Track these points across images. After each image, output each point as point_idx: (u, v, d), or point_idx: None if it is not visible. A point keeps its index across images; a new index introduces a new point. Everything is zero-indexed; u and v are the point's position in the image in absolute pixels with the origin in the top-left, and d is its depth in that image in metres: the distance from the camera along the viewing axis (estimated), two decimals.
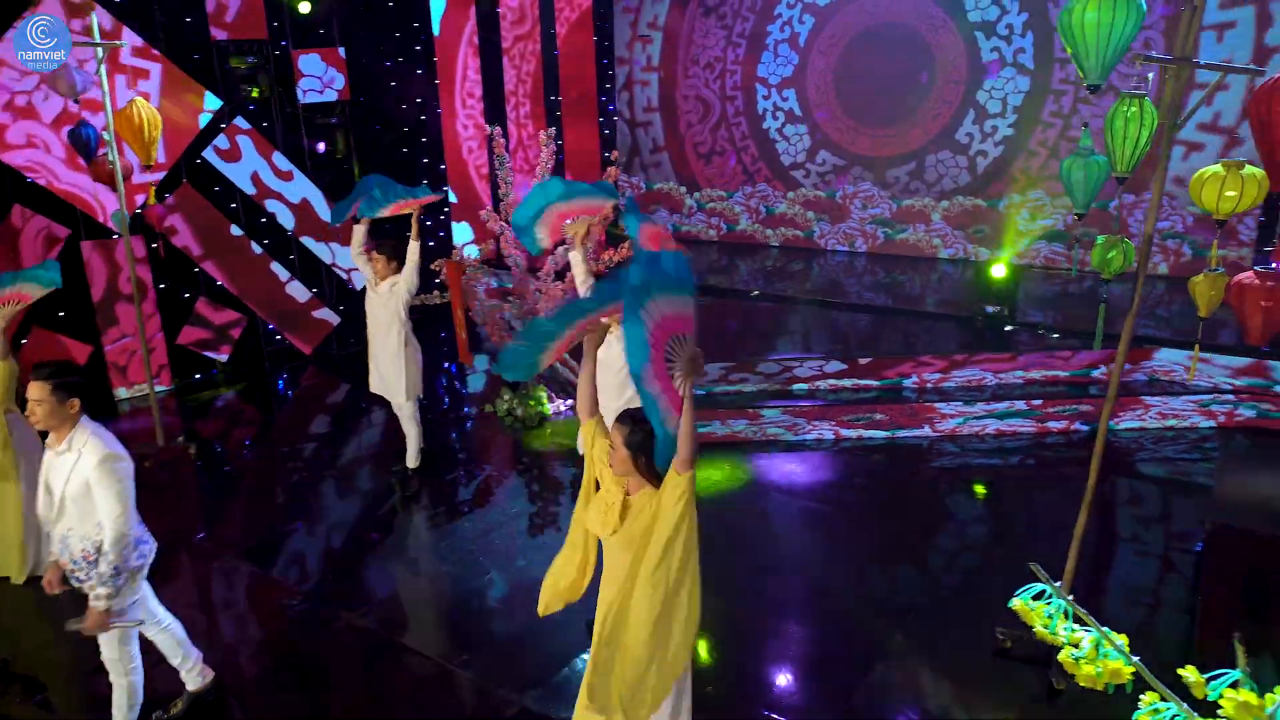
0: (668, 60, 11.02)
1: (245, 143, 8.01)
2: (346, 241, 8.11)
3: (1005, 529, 5.40)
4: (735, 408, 6.51)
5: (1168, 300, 7.99)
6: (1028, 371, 6.63)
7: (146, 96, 5.29)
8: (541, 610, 3.05)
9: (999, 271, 7.25)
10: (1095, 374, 6.61)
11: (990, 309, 7.20)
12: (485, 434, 6.88)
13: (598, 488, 2.91)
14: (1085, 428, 6.36)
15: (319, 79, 8.55)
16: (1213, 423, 6.31)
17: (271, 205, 8.24)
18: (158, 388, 7.19)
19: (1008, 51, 8.84)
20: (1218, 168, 3.21)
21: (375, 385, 5.82)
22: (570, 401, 7.21)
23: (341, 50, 8.56)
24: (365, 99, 8.98)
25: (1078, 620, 3.77)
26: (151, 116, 5.42)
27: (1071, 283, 8.56)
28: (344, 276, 8.92)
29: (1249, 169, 3.16)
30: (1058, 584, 3.92)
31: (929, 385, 6.69)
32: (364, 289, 5.70)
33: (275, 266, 8.35)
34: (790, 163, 10.46)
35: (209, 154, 7.79)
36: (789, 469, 6.05)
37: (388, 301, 5.57)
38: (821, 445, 6.44)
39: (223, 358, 8.29)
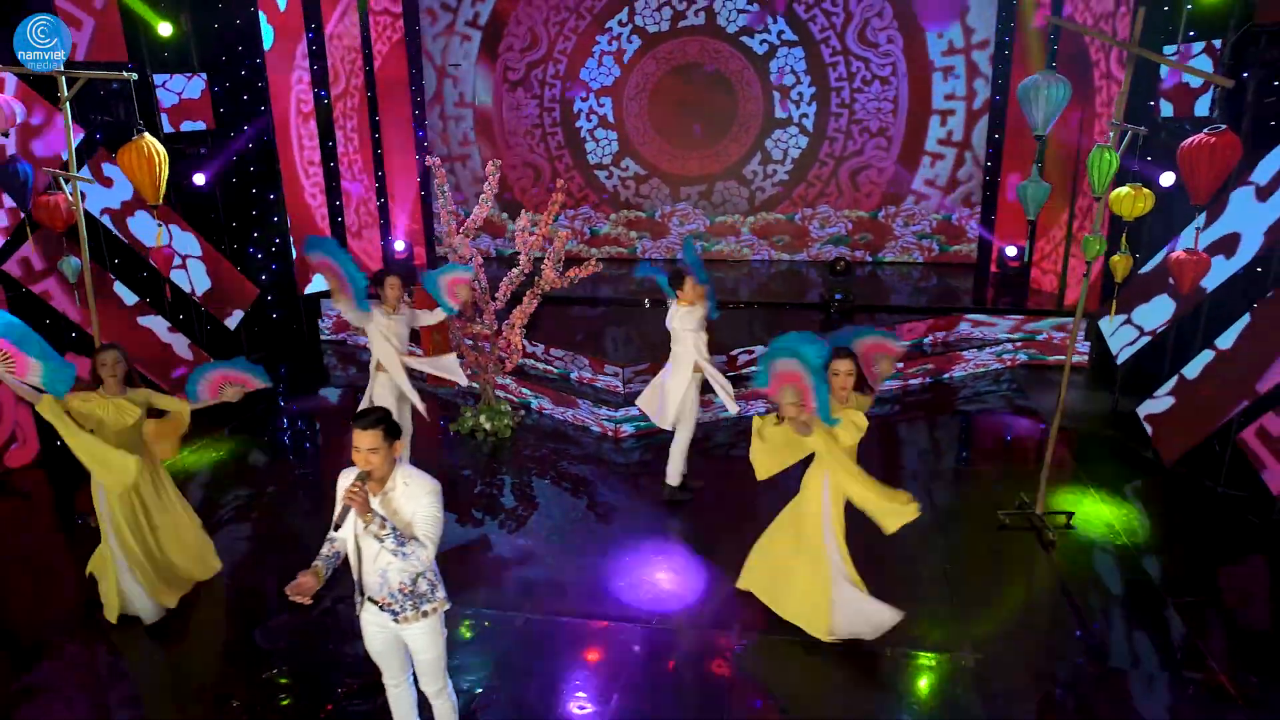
0: (483, 135, 11.65)
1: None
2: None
3: (923, 451, 7.24)
4: None
5: (927, 277, 10.63)
6: None
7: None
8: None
9: (840, 267, 9.19)
10: (925, 341, 8.81)
11: (839, 296, 9.12)
12: (470, 452, 7.19)
13: None
14: (930, 381, 8.51)
15: (177, 106, 7.98)
16: (1001, 365, 8.81)
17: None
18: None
19: (795, 114, 10.95)
20: (1129, 189, 5.13)
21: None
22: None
23: (204, 76, 8.05)
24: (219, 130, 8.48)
25: None
26: (162, 153, 5.08)
27: (861, 270, 10.89)
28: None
29: (1145, 190, 5.12)
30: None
31: None
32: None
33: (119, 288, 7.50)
34: (596, 162, 11.64)
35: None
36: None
37: (399, 326, 5.90)
38: None
39: None
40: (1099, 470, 6.67)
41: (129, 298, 7.71)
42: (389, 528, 3.16)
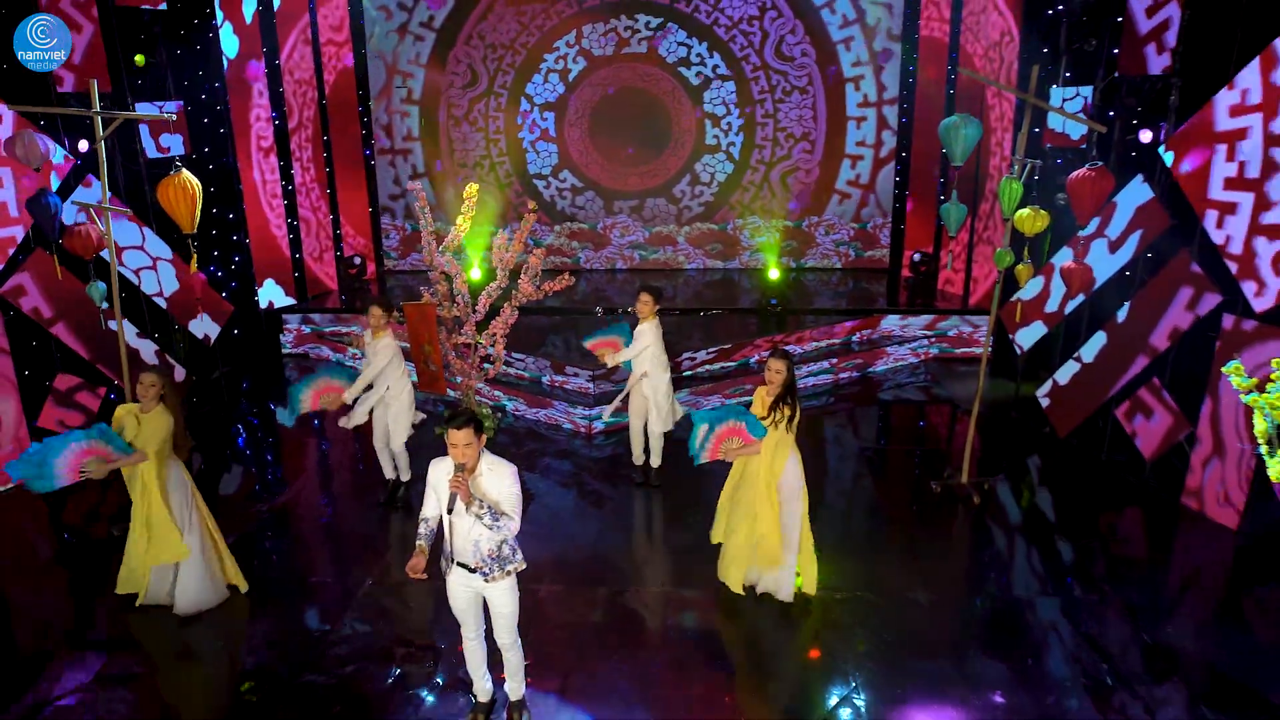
0: (431, 168, 12.21)
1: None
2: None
3: (861, 435, 8.31)
4: None
5: (845, 283, 11.80)
6: (819, 341, 9.69)
7: None
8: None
9: (774, 274, 10.23)
10: (854, 339, 9.93)
11: (773, 301, 10.16)
12: None
13: None
14: (858, 374, 9.63)
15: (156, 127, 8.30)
16: (916, 359, 10.03)
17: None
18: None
19: (724, 141, 11.96)
20: (1029, 211, 6.27)
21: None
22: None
23: (180, 103, 8.39)
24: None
25: None
26: (197, 186, 5.56)
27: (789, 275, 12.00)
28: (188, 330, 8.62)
29: (1042, 211, 6.27)
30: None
31: (763, 358, 9.38)
32: None
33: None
34: (535, 172, 12.36)
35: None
36: None
37: (385, 346, 6.51)
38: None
39: None
40: (1007, 445, 7.88)
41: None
42: (485, 507, 3.89)
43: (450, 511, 3.89)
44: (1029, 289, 7.59)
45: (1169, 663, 4.92)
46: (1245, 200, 5.88)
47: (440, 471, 4.03)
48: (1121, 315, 6.92)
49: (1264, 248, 5.77)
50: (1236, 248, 5.94)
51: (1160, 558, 6.26)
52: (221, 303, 8.73)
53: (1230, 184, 5.98)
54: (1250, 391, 3.75)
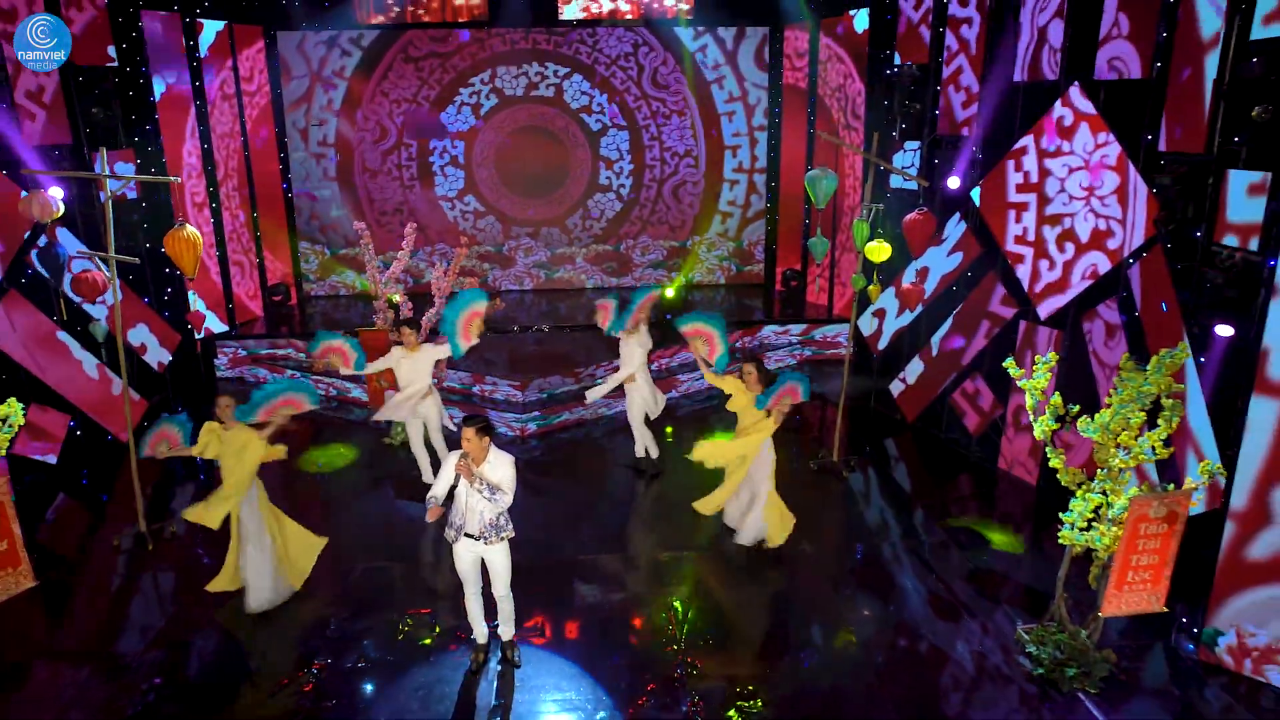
0: (343, 144, 13.08)
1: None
2: None
3: None
4: (576, 399, 9.82)
5: (728, 299, 13.47)
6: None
7: None
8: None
9: (670, 293, 11.75)
10: (737, 345, 11.55)
11: (669, 315, 11.67)
12: (408, 458, 8.88)
13: None
14: None
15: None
16: (794, 360, 11.79)
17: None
18: None
19: (615, 183, 13.43)
20: (877, 243, 8.00)
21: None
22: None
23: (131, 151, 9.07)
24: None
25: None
26: (199, 238, 6.47)
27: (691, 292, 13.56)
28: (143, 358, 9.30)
29: (886, 244, 8.01)
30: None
31: (665, 364, 10.87)
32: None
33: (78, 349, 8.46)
34: (442, 194, 13.48)
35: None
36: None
37: (423, 360, 7.65)
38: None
39: (50, 459, 8.33)
40: (868, 428, 9.68)
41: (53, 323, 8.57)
42: (484, 484, 5.16)
43: (454, 486, 5.17)
44: (867, 325, 9.50)
45: (987, 581, 6.70)
46: (1031, 199, 7.73)
47: (454, 459, 5.27)
48: (940, 334, 8.88)
49: (1049, 233, 7.64)
50: (1031, 236, 7.81)
51: (983, 508, 8.12)
52: (172, 332, 9.43)
53: (1020, 189, 7.85)
54: (1022, 378, 5.46)
